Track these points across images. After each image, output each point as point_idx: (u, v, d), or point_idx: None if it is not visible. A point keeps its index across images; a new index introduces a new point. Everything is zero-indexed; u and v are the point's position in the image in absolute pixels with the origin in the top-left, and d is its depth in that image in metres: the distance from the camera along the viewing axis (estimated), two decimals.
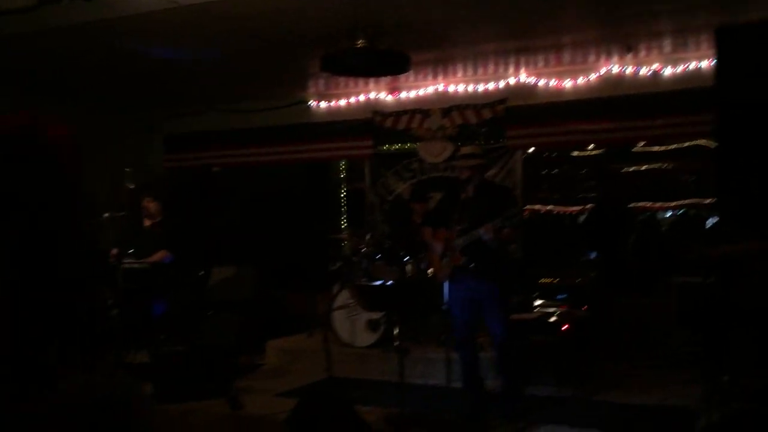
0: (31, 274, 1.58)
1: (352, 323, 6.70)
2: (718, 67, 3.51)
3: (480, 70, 7.55)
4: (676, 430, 4.48)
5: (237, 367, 6.38)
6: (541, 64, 7.28)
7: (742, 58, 3.41)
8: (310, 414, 4.64)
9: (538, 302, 6.68)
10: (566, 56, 7.02)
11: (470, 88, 7.79)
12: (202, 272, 7.45)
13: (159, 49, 6.39)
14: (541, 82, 7.45)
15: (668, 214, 11.53)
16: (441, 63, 7.24)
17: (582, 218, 11.37)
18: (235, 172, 9.60)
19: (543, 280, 6.86)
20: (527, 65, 7.34)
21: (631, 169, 11.30)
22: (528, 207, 10.39)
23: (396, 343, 4.68)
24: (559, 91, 7.39)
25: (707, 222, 8.23)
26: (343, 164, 9.52)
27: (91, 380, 1.62)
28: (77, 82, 7.54)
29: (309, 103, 8.65)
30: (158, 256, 6.62)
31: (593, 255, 9.68)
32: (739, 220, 3.70)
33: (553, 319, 6.05)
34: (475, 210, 4.88)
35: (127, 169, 7.62)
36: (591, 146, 9.41)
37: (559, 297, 6.63)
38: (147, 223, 6.93)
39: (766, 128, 3.42)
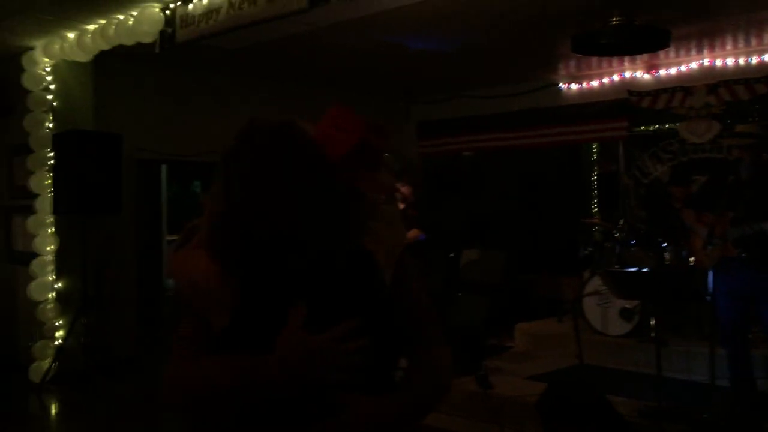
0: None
1: (603, 311, 6.50)
2: None
3: (753, 41, 6.84)
4: None
5: (486, 348, 6.51)
6: None
7: None
8: (561, 399, 4.61)
9: None
10: None
11: (741, 61, 7.10)
12: (453, 254, 7.68)
13: (413, 39, 6.70)
14: None
15: None
16: (706, 35, 6.68)
17: None
18: (486, 157, 9.74)
19: None
20: None
21: None
22: None
23: (652, 334, 4.47)
24: None
25: None
26: (594, 147, 9.21)
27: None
28: (344, 74, 8.15)
29: (559, 85, 8.49)
30: (413, 234, 6.96)
31: None
32: None
33: None
34: (753, 196, 4.46)
35: (386, 155, 8.07)
36: None
37: None
38: (401, 206, 7.31)
39: None
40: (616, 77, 8.03)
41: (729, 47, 7.07)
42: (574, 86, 8.39)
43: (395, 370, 1.64)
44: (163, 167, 8.03)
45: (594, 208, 9.08)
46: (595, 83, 8.23)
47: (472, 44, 6.89)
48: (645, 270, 5.27)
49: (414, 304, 1.65)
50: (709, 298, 4.57)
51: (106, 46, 6.14)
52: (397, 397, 1.58)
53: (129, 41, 5.85)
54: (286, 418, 1.49)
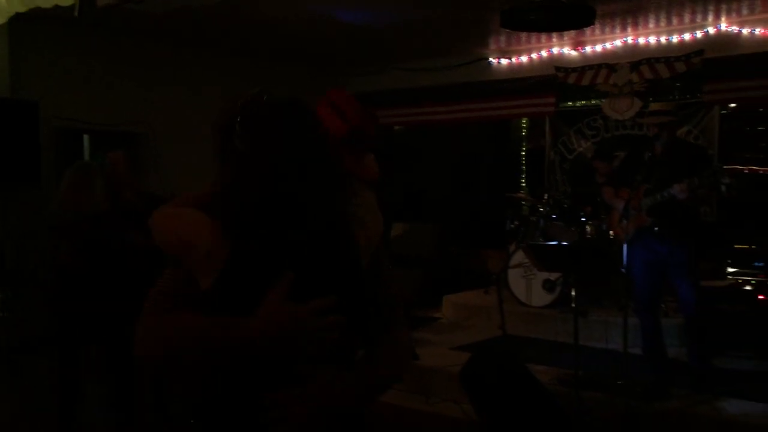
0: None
1: (527, 283, 6.67)
2: None
3: (674, 20, 7.05)
4: None
5: (414, 320, 6.60)
6: (745, 11, 6.64)
7: None
8: (483, 368, 4.73)
9: (731, 269, 6.23)
10: None
11: (662, 39, 7.31)
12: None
13: (344, 11, 6.64)
14: (745, 31, 6.81)
15: None
16: (630, 14, 6.84)
17: None
18: (418, 131, 9.79)
19: (738, 246, 6.37)
20: (728, 12, 6.73)
21: None
22: (727, 167, 9.63)
23: (573, 305, 4.62)
24: (765, 41, 6.72)
25: None
26: (524, 122, 9.37)
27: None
28: (277, 45, 8.02)
29: (489, 60, 8.56)
30: None
31: None
32: None
33: (747, 288, 5.62)
34: (664, 169, 4.63)
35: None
36: None
37: (756, 264, 6.13)
38: None
39: None
40: (544, 53, 8.15)
41: (651, 26, 7.26)
42: (504, 61, 8.48)
43: (357, 349, 1.68)
44: (86, 137, 7.76)
45: (523, 183, 9.26)
46: (524, 58, 8.34)
47: (404, 17, 6.88)
48: (564, 243, 5.42)
49: (386, 289, 1.69)
50: (624, 270, 4.74)
51: (22, 8, 5.84)
52: (359, 375, 1.63)
53: (46, 3, 5.57)
54: (254, 381, 1.52)
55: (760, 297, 5.42)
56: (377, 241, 1.67)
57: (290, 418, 1.48)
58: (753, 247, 6.32)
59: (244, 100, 1.57)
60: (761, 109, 9.86)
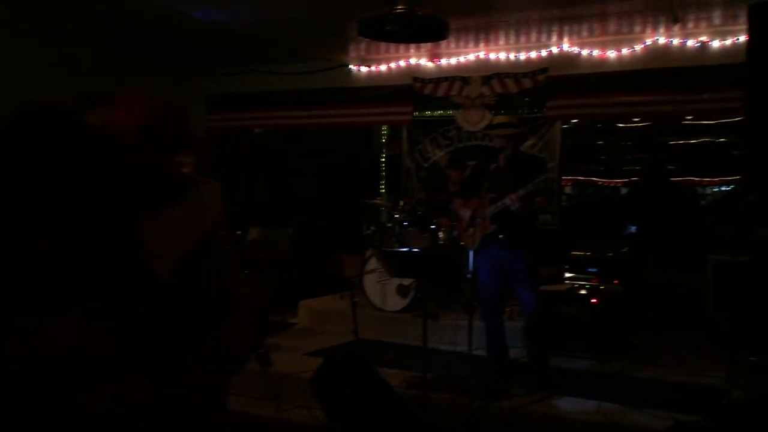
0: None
1: (382, 288, 6.79)
2: (750, 43, 3.42)
3: (522, 38, 7.44)
4: (701, 407, 4.46)
5: (269, 326, 6.54)
6: (585, 33, 7.14)
7: None
8: (334, 374, 4.76)
9: (569, 274, 6.66)
10: (611, 26, 6.87)
11: (511, 56, 7.70)
12: (239, 231, 7.59)
13: (200, 11, 6.48)
14: (585, 52, 7.31)
15: (715, 189, 11.30)
16: (482, 30, 7.16)
17: (625, 191, 11.22)
18: (277, 135, 9.71)
19: (575, 253, 6.82)
20: (570, 34, 7.20)
21: (680, 142, 11.07)
22: (568, 178, 10.28)
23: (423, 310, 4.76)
24: (602, 62, 7.25)
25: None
26: (384, 129, 9.54)
27: None
28: (131, 41, 7.68)
29: (350, 67, 8.66)
30: None
31: (633, 229, 9.57)
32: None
33: (582, 292, 6.03)
34: (507, 180, 4.89)
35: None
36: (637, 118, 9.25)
37: (590, 270, 6.60)
38: None
39: None
40: (402, 63, 8.35)
41: (502, 42, 7.62)
42: (364, 69, 8.60)
43: (181, 351, 1.62)
44: None
45: (382, 189, 9.43)
46: (383, 67, 8.50)
47: (260, 19, 6.81)
48: (415, 250, 5.58)
49: (221, 284, 1.66)
50: (470, 276, 4.95)
51: None
52: (163, 376, 1.57)
53: None
54: (18, 394, 1.44)
55: (593, 300, 5.82)
56: (211, 231, 1.64)
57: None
58: (588, 253, 6.79)
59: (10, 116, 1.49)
60: (599, 125, 10.64)
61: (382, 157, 9.64)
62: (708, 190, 11.33)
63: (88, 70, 7.54)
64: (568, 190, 10.90)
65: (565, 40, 7.35)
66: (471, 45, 7.76)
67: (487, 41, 7.60)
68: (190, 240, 1.64)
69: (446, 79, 8.05)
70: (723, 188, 11.15)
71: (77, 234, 1.49)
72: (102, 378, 1.48)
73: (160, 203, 1.61)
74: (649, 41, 6.98)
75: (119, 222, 1.55)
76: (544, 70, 7.48)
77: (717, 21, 6.52)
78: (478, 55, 7.88)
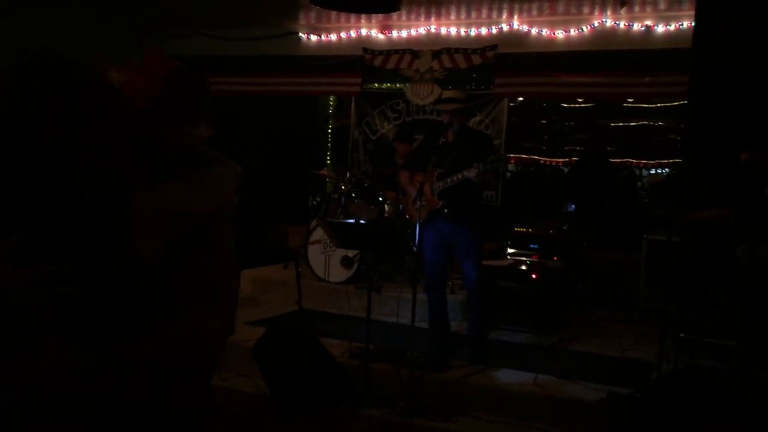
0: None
1: (326, 259, 6.79)
2: (696, 28, 3.51)
3: (473, 14, 7.46)
4: (633, 380, 4.63)
5: None
6: (534, 12, 7.20)
7: (721, 21, 3.39)
8: (276, 343, 4.77)
9: (510, 250, 6.78)
10: (560, 6, 6.95)
11: (462, 31, 7.71)
12: None
13: None
14: (534, 31, 7.38)
15: (653, 172, 11.65)
16: (434, 3, 7.15)
17: (567, 170, 11.46)
18: (222, 102, 9.51)
19: (517, 229, 6.95)
20: (520, 12, 7.26)
21: (620, 124, 11.35)
22: (511, 156, 10.42)
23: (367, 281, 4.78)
24: (550, 41, 7.34)
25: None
26: (332, 100, 9.47)
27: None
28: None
29: (299, 35, 8.53)
30: None
31: (573, 207, 9.81)
32: (705, 182, 3.75)
33: (523, 267, 6.16)
34: (454, 155, 4.92)
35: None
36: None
37: (531, 246, 6.74)
38: None
39: (740, 92, 3.43)
40: (353, 33, 8.27)
41: (453, 17, 7.63)
42: (314, 37, 8.49)
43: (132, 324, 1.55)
44: None
45: (328, 161, 9.38)
46: (333, 37, 8.40)
47: None
48: (361, 222, 5.59)
49: (207, 272, 1.61)
50: (415, 249, 4.99)
51: None
52: (114, 350, 1.51)
53: None
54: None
55: (533, 276, 5.95)
56: (199, 221, 1.57)
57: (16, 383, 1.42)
58: (529, 230, 6.93)
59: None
60: (544, 104, 10.81)
61: (329, 128, 9.58)
62: (645, 173, 11.68)
63: (28, 29, 7.24)
64: (511, 167, 11.06)
65: (515, 17, 7.40)
66: (422, 18, 7.74)
67: (438, 15, 7.59)
68: (186, 221, 1.57)
69: (396, 51, 8.02)
70: (659, 171, 11.51)
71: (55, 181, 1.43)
72: (55, 340, 1.45)
73: (162, 177, 1.53)
74: (596, 23, 7.09)
75: (105, 186, 1.49)
76: (493, 47, 7.52)
77: (662, 6, 6.67)
78: (429, 29, 7.86)
